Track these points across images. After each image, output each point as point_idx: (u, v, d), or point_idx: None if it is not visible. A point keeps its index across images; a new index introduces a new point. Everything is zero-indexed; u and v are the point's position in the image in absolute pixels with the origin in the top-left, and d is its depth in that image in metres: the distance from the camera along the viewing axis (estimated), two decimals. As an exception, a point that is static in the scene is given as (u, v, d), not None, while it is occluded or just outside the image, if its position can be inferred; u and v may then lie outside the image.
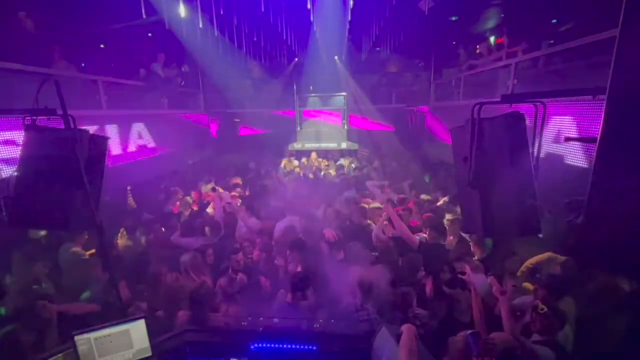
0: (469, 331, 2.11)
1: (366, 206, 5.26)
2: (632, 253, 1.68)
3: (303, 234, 4.30)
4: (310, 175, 8.40)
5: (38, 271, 3.61)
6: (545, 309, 2.34)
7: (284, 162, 9.64)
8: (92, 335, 2.34)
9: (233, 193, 6.37)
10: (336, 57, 11.32)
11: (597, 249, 1.85)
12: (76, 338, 2.30)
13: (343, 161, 9.72)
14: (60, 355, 2.36)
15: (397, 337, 2.15)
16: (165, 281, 3.50)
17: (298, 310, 3.01)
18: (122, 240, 4.77)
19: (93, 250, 4.06)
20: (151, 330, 2.51)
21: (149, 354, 2.50)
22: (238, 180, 7.38)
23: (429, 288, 3.36)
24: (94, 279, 3.64)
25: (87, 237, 4.09)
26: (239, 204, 5.60)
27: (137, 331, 2.46)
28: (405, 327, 2.16)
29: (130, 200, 6.04)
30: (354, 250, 3.84)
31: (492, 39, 8.24)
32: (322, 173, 8.65)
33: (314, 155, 10.12)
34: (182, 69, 8.30)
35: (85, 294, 3.49)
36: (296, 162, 9.80)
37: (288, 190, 6.44)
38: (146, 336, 2.49)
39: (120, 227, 4.86)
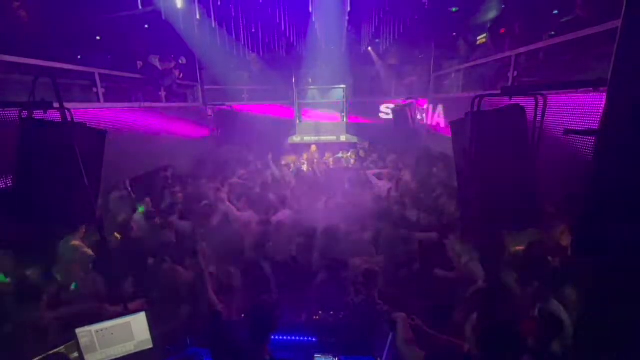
0: None
1: None
2: (631, 248, 1.68)
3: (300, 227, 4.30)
4: (309, 169, 8.40)
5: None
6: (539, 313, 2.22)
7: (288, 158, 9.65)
8: (94, 327, 2.37)
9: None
10: (333, 48, 11.21)
11: (596, 244, 1.85)
12: (77, 330, 2.32)
13: (342, 154, 9.70)
14: (62, 347, 2.38)
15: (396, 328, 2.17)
16: (164, 272, 3.51)
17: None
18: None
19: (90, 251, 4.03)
20: (152, 322, 2.53)
21: (151, 345, 2.53)
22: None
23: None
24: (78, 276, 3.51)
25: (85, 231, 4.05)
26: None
27: (138, 323, 2.49)
28: (398, 316, 2.18)
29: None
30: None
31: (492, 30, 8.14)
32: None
33: (313, 148, 10.09)
34: (180, 61, 8.20)
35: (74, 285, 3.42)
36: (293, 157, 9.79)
37: (289, 184, 6.45)
38: (147, 328, 2.52)
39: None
